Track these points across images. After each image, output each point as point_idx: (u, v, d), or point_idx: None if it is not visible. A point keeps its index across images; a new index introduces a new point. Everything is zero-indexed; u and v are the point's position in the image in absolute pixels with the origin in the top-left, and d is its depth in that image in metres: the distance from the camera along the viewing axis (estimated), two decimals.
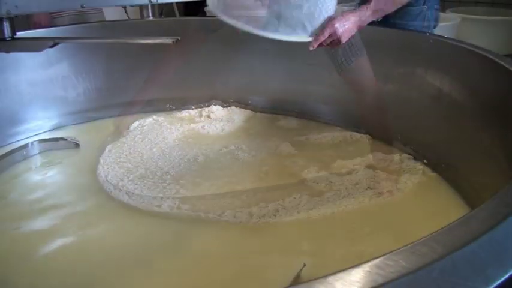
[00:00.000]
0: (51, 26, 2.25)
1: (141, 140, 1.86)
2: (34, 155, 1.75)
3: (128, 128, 1.97)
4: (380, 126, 1.77)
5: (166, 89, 2.13)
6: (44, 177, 1.61)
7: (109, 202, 1.45)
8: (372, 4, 1.45)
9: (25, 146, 1.74)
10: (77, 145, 1.81)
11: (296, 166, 1.63)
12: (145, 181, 1.53)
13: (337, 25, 1.37)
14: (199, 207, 1.39)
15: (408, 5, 1.70)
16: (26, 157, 1.72)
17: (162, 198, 1.43)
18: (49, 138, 1.84)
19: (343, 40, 1.40)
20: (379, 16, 1.49)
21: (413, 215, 1.35)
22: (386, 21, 1.74)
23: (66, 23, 2.43)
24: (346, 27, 1.39)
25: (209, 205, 1.40)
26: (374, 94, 1.60)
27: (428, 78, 1.59)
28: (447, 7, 2.90)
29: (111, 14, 2.83)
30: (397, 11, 1.68)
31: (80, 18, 2.47)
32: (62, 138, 1.83)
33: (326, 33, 1.37)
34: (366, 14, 1.44)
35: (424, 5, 1.76)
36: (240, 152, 1.72)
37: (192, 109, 2.15)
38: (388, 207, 1.37)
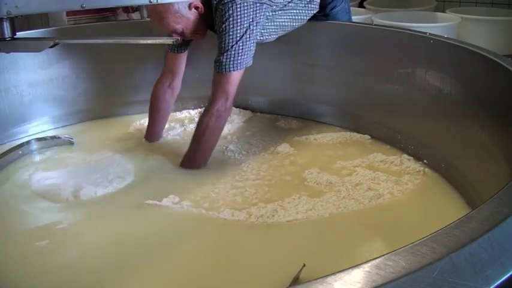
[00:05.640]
0: None
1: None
2: (31, 153, 1.76)
3: (128, 127, 1.98)
4: (380, 126, 1.77)
5: None
6: (42, 176, 1.61)
7: (107, 198, 1.45)
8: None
9: (22, 144, 1.76)
10: (71, 143, 1.83)
11: (296, 166, 1.63)
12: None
13: None
14: (198, 206, 1.39)
15: (333, 7, 1.88)
16: (23, 155, 1.74)
17: (161, 195, 1.43)
18: (45, 137, 1.85)
19: None
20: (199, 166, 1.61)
21: (413, 216, 1.35)
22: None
23: None
24: None
25: (208, 204, 1.40)
26: None
27: (428, 78, 1.59)
28: (447, 7, 2.90)
29: None
30: (324, 15, 1.84)
31: None
32: (55, 137, 1.85)
33: None
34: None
35: (342, 2, 1.93)
36: (240, 152, 1.72)
37: (192, 109, 2.15)
38: (388, 208, 1.37)
